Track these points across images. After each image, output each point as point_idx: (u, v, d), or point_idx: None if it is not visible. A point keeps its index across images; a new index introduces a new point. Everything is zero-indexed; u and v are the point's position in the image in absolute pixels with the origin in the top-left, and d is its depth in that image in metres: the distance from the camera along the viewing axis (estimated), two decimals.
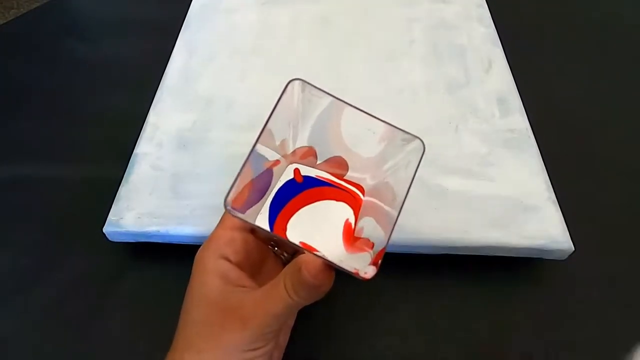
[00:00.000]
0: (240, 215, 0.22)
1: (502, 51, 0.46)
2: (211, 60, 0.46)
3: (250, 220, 0.23)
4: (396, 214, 0.22)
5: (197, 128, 0.40)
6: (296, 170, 0.28)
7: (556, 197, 0.34)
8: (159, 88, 0.43)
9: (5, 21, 0.60)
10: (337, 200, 0.28)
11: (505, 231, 0.33)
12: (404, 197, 0.22)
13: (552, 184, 0.35)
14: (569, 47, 0.51)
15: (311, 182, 0.28)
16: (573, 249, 0.32)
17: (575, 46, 0.51)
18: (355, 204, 0.28)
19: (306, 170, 0.28)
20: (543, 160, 0.37)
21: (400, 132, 0.24)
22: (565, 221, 0.33)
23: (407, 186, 0.22)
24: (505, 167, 0.36)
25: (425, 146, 0.23)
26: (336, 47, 0.47)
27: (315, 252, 0.21)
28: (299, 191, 0.27)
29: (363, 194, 0.28)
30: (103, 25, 0.57)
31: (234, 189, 0.21)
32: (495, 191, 0.35)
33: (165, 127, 0.40)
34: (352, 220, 0.27)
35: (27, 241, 0.37)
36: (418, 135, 0.24)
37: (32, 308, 0.33)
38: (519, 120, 0.39)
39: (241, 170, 0.22)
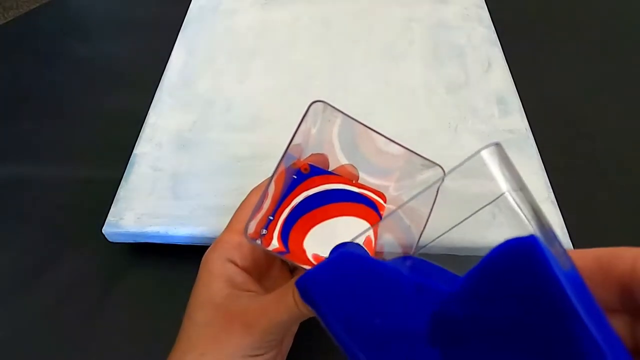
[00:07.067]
0: (257, 243, 0.22)
1: (501, 51, 0.46)
2: (211, 60, 0.46)
3: (263, 245, 0.23)
4: (414, 239, 0.22)
5: (196, 128, 0.40)
6: (303, 165, 0.27)
7: (556, 197, 0.34)
8: (158, 88, 0.43)
9: (5, 21, 0.60)
10: (353, 189, 0.27)
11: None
12: (422, 227, 0.22)
13: (551, 184, 0.35)
14: (568, 47, 0.51)
15: (317, 172, 0.27)
16: (573, 249, 0.32)
17: (575, 46, 0.51)
18: (376, 201, 0.27)
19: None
20: (542, 160, 0.37)
21: (420, 157, 0.24)
22: (565, 221, 0.33)
23: (426, 215, 0.22)
24: None
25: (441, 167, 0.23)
26: (336, 47, 0.47)
27: None
28: (303, 180, 0.27)
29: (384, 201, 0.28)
30: (103, 25, 0.57)
31: (253, 220, 0.21)
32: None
33: (165, 127, 0.40)
34: (371, 234, 0.27)
35: (27, 241, 0.37)
36: (437, 163, 0.24)
37: (32, 308, 0.33)
38: (518, 121, 0.39)
39: (266, 189, 0.22)
